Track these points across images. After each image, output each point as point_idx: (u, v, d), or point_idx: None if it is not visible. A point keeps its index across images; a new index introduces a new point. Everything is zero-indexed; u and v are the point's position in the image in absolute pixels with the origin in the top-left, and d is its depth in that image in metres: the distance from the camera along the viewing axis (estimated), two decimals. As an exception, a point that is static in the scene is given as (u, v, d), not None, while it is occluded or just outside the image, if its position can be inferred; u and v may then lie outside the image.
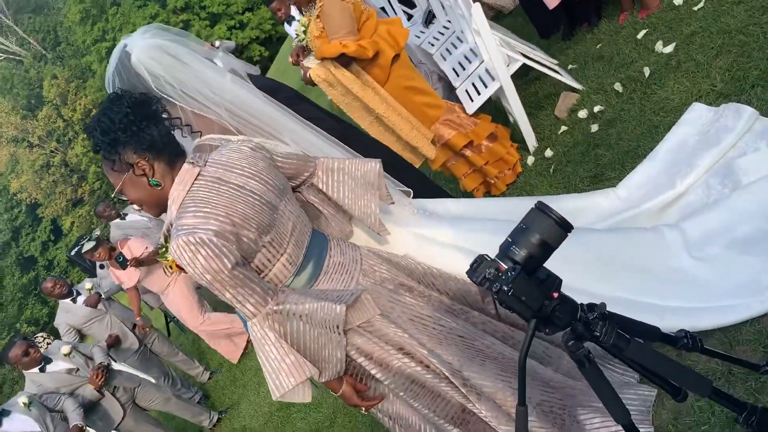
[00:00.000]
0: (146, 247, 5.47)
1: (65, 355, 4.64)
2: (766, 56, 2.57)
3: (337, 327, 1.75)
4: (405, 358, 1.85)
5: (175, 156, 1.78)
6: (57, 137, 33.35)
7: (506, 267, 1.23)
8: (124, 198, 1.83)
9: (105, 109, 1.73)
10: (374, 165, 2.08)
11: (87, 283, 5.77)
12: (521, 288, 1.20)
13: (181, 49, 2.17)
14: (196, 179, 1.73)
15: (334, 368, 1.81)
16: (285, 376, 1.72)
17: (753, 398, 1.82)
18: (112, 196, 1.88)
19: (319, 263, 1.88)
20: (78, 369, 4.62)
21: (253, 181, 1.76)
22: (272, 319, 1.72)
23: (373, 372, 1.87)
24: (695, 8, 3.21)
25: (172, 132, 1.81)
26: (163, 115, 1.80)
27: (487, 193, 3.75)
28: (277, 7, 6.50)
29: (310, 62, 3.42)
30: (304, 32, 3.36)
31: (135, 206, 1.86)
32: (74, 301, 5.54)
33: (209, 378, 6.23)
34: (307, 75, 3.43)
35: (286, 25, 7.39)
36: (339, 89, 3.37)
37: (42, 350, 4.78)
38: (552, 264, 2.18)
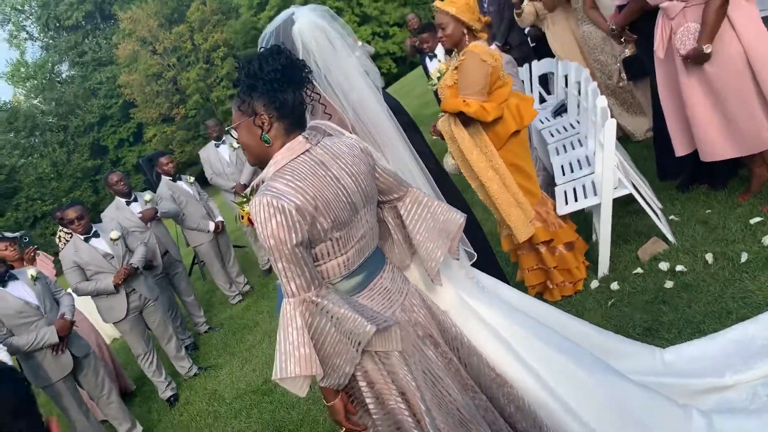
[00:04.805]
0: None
1: (112, 239, 4.79)
2: None
3: (359, 344, 1.77)
4: (402, 403, 1.86)
5: (295, 125, 1.86)
6: (179, 56, 34.85)
7: None
8: (234, 135, 1.92)
9: (262, 56, 1.82)
10: (458, 217, 2.11)
11: (147, 195, 5.95)
12: None
13: (339, 38, 2.28)
14: (303, 153, 1.81)
15: (338, 379, 1.83)
16: (293, 364, 1.75)
17: None
18: (226, 129, 1.99)
19: (370, 278, 1.93)
20: (114, 257, 4.77)
21: (349, 179, 1.83)
22: (305, 307, 1.76)
23: (367, 401, 1.88)
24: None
25: (304, 106, 1.90)
26: (306, 88, 1.89)
27: (539, 295, 3.71)
28: (427, 39, 6.74)
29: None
30: (439, 78, 3.49)
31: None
32: (128, 203, 5.75)
33: (206, 331, 6.31)
34: (436, 127, 3.50)
35: (426, 58, 7.58)
36: (456, 145, 3.42)
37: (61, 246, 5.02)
38: (575, 393, 2.12)
